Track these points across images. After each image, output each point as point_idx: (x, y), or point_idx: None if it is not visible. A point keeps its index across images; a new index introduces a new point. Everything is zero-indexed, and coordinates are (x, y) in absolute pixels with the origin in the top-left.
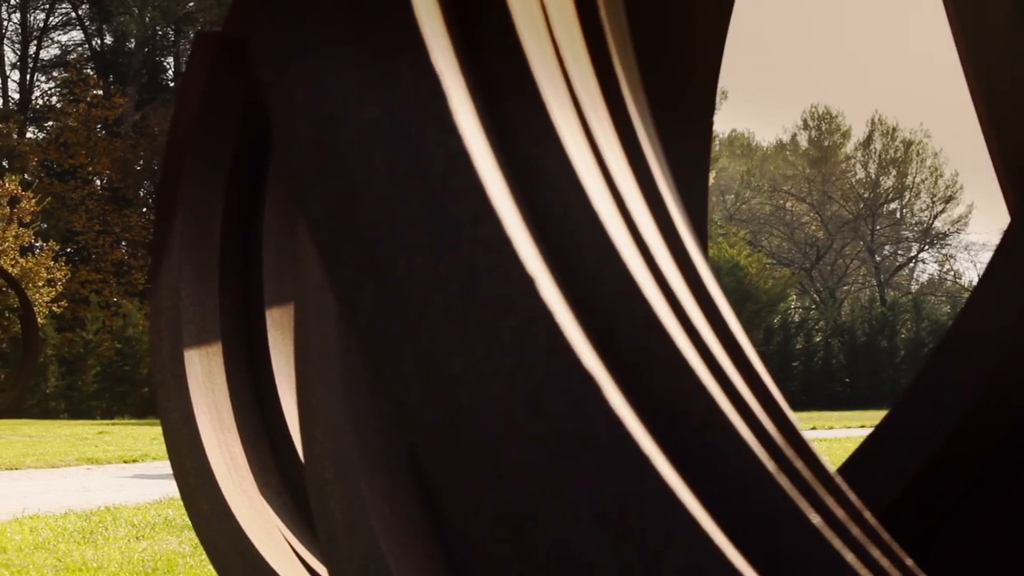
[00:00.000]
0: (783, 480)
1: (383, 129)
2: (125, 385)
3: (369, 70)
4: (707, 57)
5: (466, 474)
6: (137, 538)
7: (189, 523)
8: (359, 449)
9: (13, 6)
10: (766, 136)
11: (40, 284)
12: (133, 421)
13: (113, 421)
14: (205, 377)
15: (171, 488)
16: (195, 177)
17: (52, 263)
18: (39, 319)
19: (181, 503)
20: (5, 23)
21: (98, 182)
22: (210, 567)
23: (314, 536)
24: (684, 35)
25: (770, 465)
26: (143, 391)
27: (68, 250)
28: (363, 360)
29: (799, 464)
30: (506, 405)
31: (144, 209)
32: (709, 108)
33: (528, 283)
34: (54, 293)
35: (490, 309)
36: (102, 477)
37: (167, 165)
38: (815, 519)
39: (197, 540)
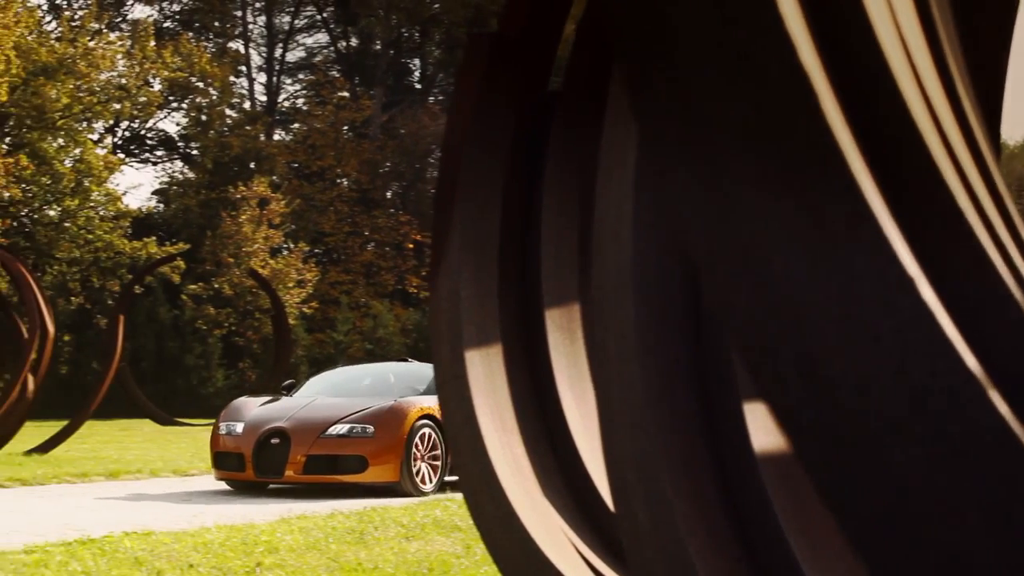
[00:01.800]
0: None
1: (754, 129)
2: None
3: (736, 66)
4: (993, 60)
5: (847, 474)
6: (408, 538)
7: (458, 524)
8: (662, 450)
9: (258, 9)
10: (1012, 135)
11: (290, 285)
12: None
13: None
14: (486, 378)
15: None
16: (472, 178)
17: (302, 264)
18: (290, 320)
19: (449, 503)
20: (251, 26)
21: (345, 183)
22: (485, 568)
23: (598, 537)
24: (970, 37)
25: None
26: None
27: (317, 251)
28: (741, 362)
29: None
30: (888, 406)
31: (392, 210)
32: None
33: (908, 284)
34: (304, 294)
35: (870, 310)
36: None
37: (444, 166)
38: None
39: (468, 541)
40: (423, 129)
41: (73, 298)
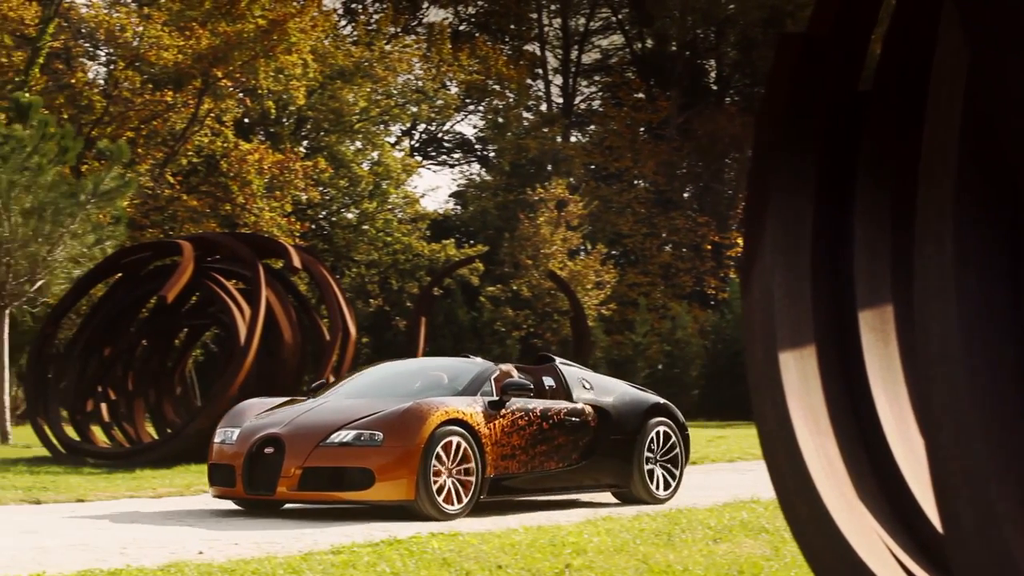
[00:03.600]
0: None
1: None
2: (674, 387)
3: None
4: None
5: None
6: (715, 540)
7: (765, 526)
8: (987, 452)
9: (554, 12)
10: None
11: (589, 287)
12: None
13: None
14: (800, 380)
15: (740, 490)
16: (785, 179)
17: (600, 266)
18: (588, 322)
19: (753, 505)
20: (546, 28)
21: (642, 184)
22: (796, 571)
23: (912, 540)
24: None
25: None
26: (692, 393)
27: (615, 253)
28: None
29: None
30: None
31: (689, 211)
32: None
33: None
34: (603, 296)
35: None
36: None
37: (756, 166)
38: None
39: (776, 543)
40: (720, 130)
41: (372, 300)
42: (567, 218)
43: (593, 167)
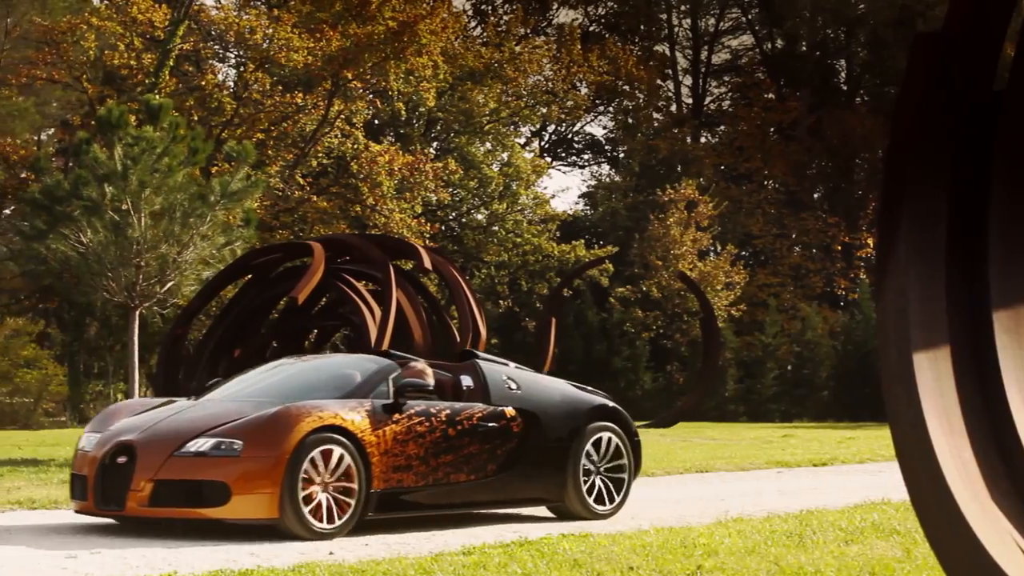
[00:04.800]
0: None
1: None
2: (804, 388)
3: None
4: None
5: None
6: (847, 542)
7: (896, 527)
8: None
9: (684, 12)
10: None
11: (719, 288)
12: (814, 424)
13: (793, 424)
14: (934, 381)
15: (871, 491)
16: (920, 178)
17: (730, 267)
18: (718, 323)
19: (885, 506)
20: (676, 29)
21: (772, 185)
22: (927, 573)
23: None
24: None
25: None
26: (822, 394)
27: (744, 253)
28: None
29: None
30: None
31: (819, 212)
32: None
33: None
34: (733, 297)
35: None
36: (794, 480)
37: (889, 168)
38: None
39: (908, 545)
40: (850, 130)
41: (501, 301)
42: (697, 219)
43: (723, 168)
